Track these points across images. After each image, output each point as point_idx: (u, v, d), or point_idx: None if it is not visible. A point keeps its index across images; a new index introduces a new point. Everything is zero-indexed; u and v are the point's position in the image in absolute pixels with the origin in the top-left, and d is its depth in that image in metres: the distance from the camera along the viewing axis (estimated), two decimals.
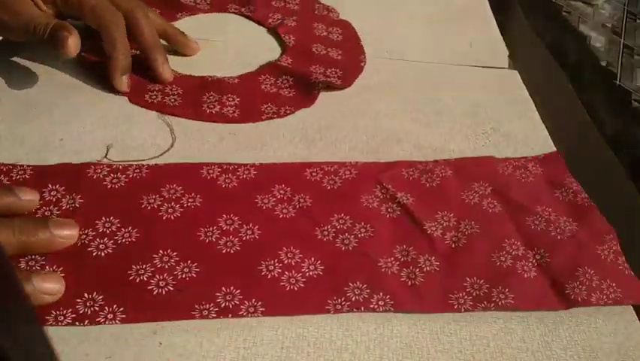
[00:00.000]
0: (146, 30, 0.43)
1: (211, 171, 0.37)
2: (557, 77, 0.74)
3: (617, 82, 0.63)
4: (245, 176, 0.37)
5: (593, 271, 0.34)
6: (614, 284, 0.33)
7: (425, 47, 0.54)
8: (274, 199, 0.36)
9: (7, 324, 0.14)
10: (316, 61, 0.48)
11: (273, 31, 0.51)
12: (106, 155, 0.37)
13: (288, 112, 0.43)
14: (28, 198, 0.33)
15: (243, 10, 0.54)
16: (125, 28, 0.42)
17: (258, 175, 0.37)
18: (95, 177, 0.35)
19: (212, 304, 0.30)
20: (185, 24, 0.51)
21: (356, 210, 0.36)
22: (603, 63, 0.66)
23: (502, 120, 0.46)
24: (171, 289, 0.30)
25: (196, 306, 0.30)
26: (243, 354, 0.28)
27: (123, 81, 0.42)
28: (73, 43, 0.38)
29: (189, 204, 0.35)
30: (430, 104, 0.46)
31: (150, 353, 0.28)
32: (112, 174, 0.36)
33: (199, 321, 0.29)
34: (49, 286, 0.29)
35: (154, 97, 0.42)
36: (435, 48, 0.54)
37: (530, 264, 0.34)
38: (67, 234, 0.31)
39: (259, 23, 0.53)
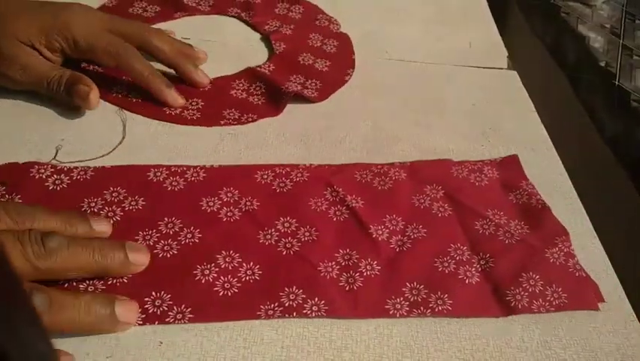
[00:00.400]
0: (165, 48, 0.43)
1: (158, 174, 0.36)
2: (556, 77, 0.74)
3: (616, 82, 0.63)
4: (193, 179, 0.36)
5: (537, 277, 0.33)
6: (559, 289, 0.33)
7: (425, 47, 0.54)
8: (220, 202, 0.35)
9: (8, 324, 0.14)
10: (299, 71, 0.47)
11: (266, 38, 0.51)
12: (55, 156, 0.37)
13: (250, 120, 0.42)
14: (102, 229, 0.32)
15: (243, 14, 0.54)
16: (139, 54, 0.42)
17: (206, 178, 0.37)
18: (37, 177, 0.35)
19: (140, 311, 0.29)
20: (181, 23, 0.51)
21: (303, 213, 0.35)
22: (602, 63, 0.67)
23: (502, 120, 0.46)
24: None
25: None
26: (243, 353, 0.29)
27: (174, 95, 0.42)
28: (95, 98, 0.39)
29: (131, 207, 0.34)
30: (430, 105, 0.46)
31: (151, 352, 0.28)
32: (55, 175, 0.35)
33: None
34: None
35: (120, 91, 0.43)
36: (434, 48, 0.54)
37: (474, 269, 0.33)
38: (141, 259, 0.31)
39: (255, 28, 0.52)
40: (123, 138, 0.39)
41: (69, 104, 0.40)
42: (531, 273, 0.33)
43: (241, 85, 0.45)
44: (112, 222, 0.33)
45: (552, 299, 0.32)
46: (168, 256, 0.32)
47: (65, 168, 0.36)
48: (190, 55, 0.45)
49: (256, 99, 0.44)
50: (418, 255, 0.34)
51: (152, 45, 0.43)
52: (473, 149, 0.43)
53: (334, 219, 0.35)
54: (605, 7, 0.78)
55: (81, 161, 0.37)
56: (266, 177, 0.37)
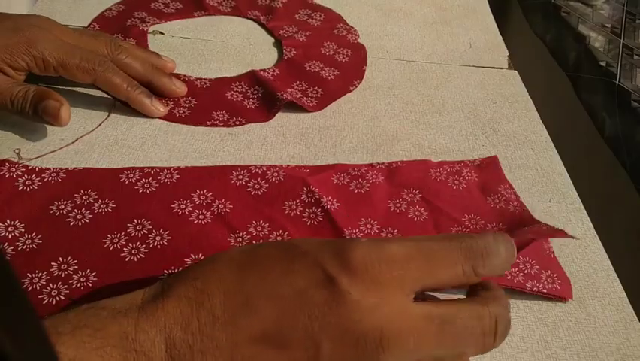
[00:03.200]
0: (136, 65, 0.41)
1: (131, 176, 0.36)
2: (557, 77, 0.74)
3: (617, 82, 0.63)
4: (166, 180, 0.36)
5: (533, 261, 0.33)
6: (555, 275, 0.33)
7: (425, 47, 0.54)
8: (192, 205, 0.35)
9: (7, 324, 0.14)
10: (303, 77, 0.47)
11: (279, 42, 0.51)
12: (18, 156, 0.36)
13: (237, 123, 0.42)
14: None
15: (262, 17, 0.53)
16: (116, 67, 0.40)
17: (180, 180, 0.36)
18: (7, 176, 0.34)
19: None
20: (199, 21, 0.51)
21: (276, 216, 0.35)
22: (603, 63, 0.66)
23: (502, 120, 0.46)
24: (62, 298, 0.29)
25: None
26: None
27: (155, 105, 0.41)
28: (66, 114, 0.36)
29: (100, 210, 0.33)
30: (430, 105, 0.46)
31: None
32: (26, 175, 0.35)
33: None
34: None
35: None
36: (435, 48, 0.54)
37: None
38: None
39: (271, 32, 0.52)
40: (109, 114, 0.39)
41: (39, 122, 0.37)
42: (527, 258, 0.33)
43: (239, 87, 0.45)
44: (80, 224, 0.32)
45: (546, 283, 0.32)
46: (135, 260, 0.31)
47: (37, 169, 0.35)
48: (161, 66, 0.44)
49: (250, 103, 0.44)
50: None
51: (122, 62, 0.41)
52: (473, 149, 0.43)
53: (308, 222, 0.35)
54: (605, 7, 0.78)
55: (53, 151, 0.37)
56: (241, 177, 0.37)
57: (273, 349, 0.22)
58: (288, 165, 0.38)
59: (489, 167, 0.40)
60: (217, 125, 0.41)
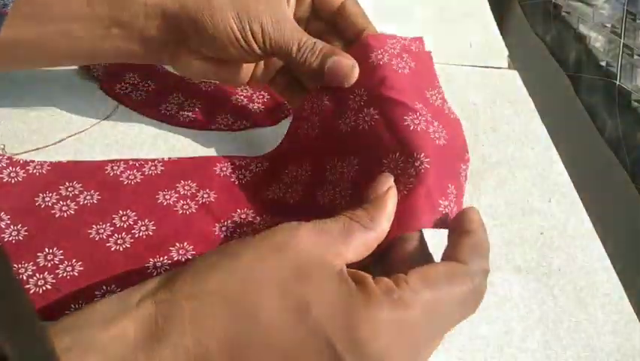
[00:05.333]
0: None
1: (115, 168, 0.36)
2: (557, 77, 0.74)
3: (617, 82, 0.63)
4: (150, 172, 0.36)
5: (454, 187, 0.30)
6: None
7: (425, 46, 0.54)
8: (177, 195, 0.35)
9: (7, 324, 0.14)
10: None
11: None
12: (3, 151, 0.36)
13: (242, 127, 0.41)
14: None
15: None
16: None
17: (164, 171, 0.36)
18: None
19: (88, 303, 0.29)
20: None
21: (260, 202, 0.35)
22: (603, 63, 0.66)
23: (502, 120, 0.46)
24: (49, 288, 0.29)
25: (72, 306, 0.29)
26: None
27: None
28: (356, 75, 0.33)
29: (86, 201, 0.34)
30: None
31: None
32: (10, 167, 0.35)
33: None
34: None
35: (124, 89, 0.42)
36: (435, 48, 0.54)
37: (411, 177, 0.29)
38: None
39: None
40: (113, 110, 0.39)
41: (307, 77, 0.34)
42: (453, 186, 0.30)
43: (244, 90, 0.44)
44: (65, 215, 0.33)
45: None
46: (121, 249, 0.32)
47: (21, 161, 0.35)
48: None
49: (255, 107, 0.43)
50: (360, 194, 0.29)
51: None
52: (473, 148, 0.42)
53: (291, 201, 0.35)
54: (606, 7, 0.78)
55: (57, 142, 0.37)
56: (225, 169, 0.37)
57: None
58: (271, 155, 0.38)
59: (422, 54, 0.37)
60: (221, 130, 0.41)
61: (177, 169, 0.36)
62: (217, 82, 0.44)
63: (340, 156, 0.33)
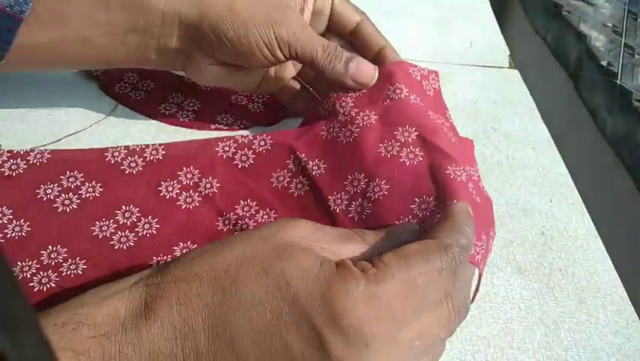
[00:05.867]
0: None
1: (116, 154, 0.35)
2: (558, 76, 0.74)
3: (618, 81, 0.63)
4: (152, 158, 0.35)
5: (492, 233, 0.31)
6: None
7: (425, 46, 0.53)
8: (179, 186, 0.34)
9: (5, 324, 0.14)
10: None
11: None
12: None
13: (242, 127, 0.41)
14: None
15: None
16: None
17: (166, 155, 0.35)
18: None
19: None
20: None
21: (263, 192, 0.34)
22: (604, 63, 0.66)
23: (503, 120, 0.46)
24: (53, 286, 0.29)
25: None
26: None
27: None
28: (375, 78, 0.35)
29: (88, 194, 0.33)
30: None
31: None
32: (11, 160, 0.34)
33: None
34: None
35: (123, 88, 0.42)
36: (435, 47, 0.54)
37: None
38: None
39: None
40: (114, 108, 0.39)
41: (327, 80, 0.35)
42: (488, 231, 0.31)
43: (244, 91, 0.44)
44: (68, 210, 0.32)
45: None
46: (124, 248, 0.31)
47: (21, 152, 0.35)
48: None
49: (255, 106, 0.43)
50: (377, 219, 0.31)
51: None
52: (474, 148, 0.42)
53: (295, 194, 0.34)
54: (607, 6, 0.77)
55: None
56: (227, 149, 0.36)
57: None
58: (275, 132, 0.37)
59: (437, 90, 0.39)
60: (221, 130, 0.41)
61: (179, 153, 0.36)
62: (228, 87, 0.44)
63: (370, 175, 0.32)
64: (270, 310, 0.22)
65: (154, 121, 0.41)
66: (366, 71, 0.35)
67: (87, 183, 0.34)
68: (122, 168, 0.35)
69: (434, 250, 0.24)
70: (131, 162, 0.35)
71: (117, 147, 0.36)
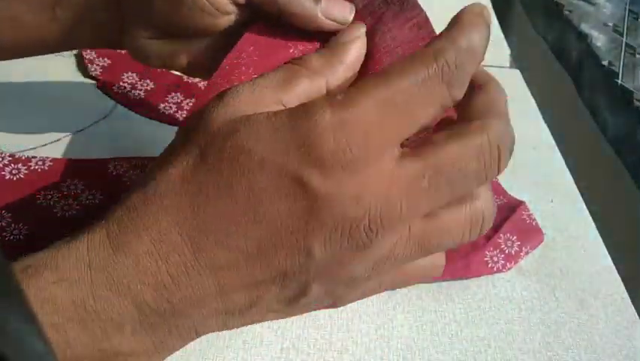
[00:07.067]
0: None
1: (119, 167, 0.35)
2: (559, 76, 0.74)
3: (619, 81, 0.63)
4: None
5: (515, 237, 0.34)
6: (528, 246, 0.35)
7: None
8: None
9: (3, 324, 0.14)
10: None
11: None
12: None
13: None
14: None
15: None
16: None
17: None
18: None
19: None
20: None
21: None
22: (605, 62, 0.66)
23: None
24: None
25: None
26: (242, 355, 0.28)
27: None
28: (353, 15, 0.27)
29: (88, 201, 0.33)
30: None
31: None
32: (12, 165, 0.34)
33: None
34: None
35: (122, 88, 0.42)
36: None
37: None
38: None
39: None
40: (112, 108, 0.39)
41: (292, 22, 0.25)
42: (509, 234, 0.34)
43: None
44: (67, 215, 0.32)
45: (524, 255, 0.34)
46: None
47: (23, 158, 0.35)
48: None
49: None
50: None
51: None
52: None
53: None
54: (607, 5, 0.77)
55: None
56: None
57: (264, 277, 0.20)
58: None
59: None
60: None
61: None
62: (176, 72, 0.42)
63: None
64: (242, 188, 0.20)
65: (153, 121, 0.41)
66: (341, 5, 0.27)
67: (87, 191, 0.34)
68: (124, 180, 0.35)
69: (418, 59, 0.20)
70: (133, 175, 0.35)
71: (119, 158, 0.36)
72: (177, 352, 0.28)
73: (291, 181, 0.19)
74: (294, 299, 0.22)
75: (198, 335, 0.22)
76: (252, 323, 0.23)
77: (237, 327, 0.23)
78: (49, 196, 0.33)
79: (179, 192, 0.20)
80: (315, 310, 0.24)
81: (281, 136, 0.19)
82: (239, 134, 0.20)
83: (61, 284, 0.19)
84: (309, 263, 0.20)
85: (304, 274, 0.21)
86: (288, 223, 0.20)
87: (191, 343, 0.29)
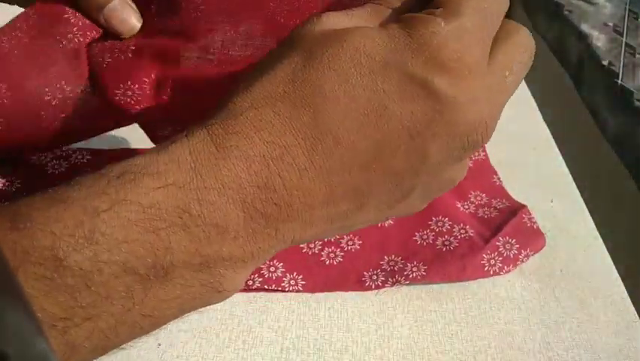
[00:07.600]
0: None
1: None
2: (559, 76, 0.74)
3: (619, 81, 0.63)
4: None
5: (514, 240, 0.35)
6: (528, 250, 0.35)
7: None
8: None
9: (4, 323, 0.14)
10: None
11: None
12: None
13: None
14: None
15: None
16: None
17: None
18: (37, 163, 0.35)
19: (257, 274, 0.31)
20: None
21: None
22: (605, 62, 0.66)
23: (503, 119, 0.45)
24: None
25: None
26: (243, 355, 0.28)
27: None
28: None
29: None
30: None
31: (149, 353, 0.28)
32: (54, 161, 0.35)
33: (199, 322, 0.29)
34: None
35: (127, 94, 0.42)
36: None
37: (452, 238, 0.34)
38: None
39: None
40: None
41: None
42: (508, 237, 0.35)
43: None
44: None
45: (524, 258, 0.34)
46: None
47: (64, 154, 0.36)
48: None
49: None
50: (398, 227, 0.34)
51: None
52: None
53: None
54: (608, 5, 0.77)
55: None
56: None
57: (376, 181, 0.20)
58: None
59: None
60: None
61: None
62: None
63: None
64: (363, 88, 0.19)
65: None
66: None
67: None
68: None
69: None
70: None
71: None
72: (177, 352, 0.28)
73: (417, 85, 0.20)
74: (392, 205, 0.22)
75: (294, 242, 0.21)
76: (343, 232, 0.23)
77: (330, 237, 0.23)
78: None
79: (291, 94, 0.20)
80: (395, 216, 0.24)
81: (400, 43, 0.20)
82: (356, 38, 0.20)
83: (165, 190, 0.18)
84: (422, 167, 0.21)
85: (414, 178, 0.21)
86: (410, 126, 0.20)
87: (191, 343, 0.29)
